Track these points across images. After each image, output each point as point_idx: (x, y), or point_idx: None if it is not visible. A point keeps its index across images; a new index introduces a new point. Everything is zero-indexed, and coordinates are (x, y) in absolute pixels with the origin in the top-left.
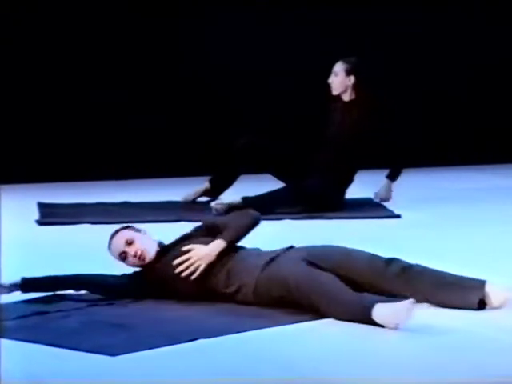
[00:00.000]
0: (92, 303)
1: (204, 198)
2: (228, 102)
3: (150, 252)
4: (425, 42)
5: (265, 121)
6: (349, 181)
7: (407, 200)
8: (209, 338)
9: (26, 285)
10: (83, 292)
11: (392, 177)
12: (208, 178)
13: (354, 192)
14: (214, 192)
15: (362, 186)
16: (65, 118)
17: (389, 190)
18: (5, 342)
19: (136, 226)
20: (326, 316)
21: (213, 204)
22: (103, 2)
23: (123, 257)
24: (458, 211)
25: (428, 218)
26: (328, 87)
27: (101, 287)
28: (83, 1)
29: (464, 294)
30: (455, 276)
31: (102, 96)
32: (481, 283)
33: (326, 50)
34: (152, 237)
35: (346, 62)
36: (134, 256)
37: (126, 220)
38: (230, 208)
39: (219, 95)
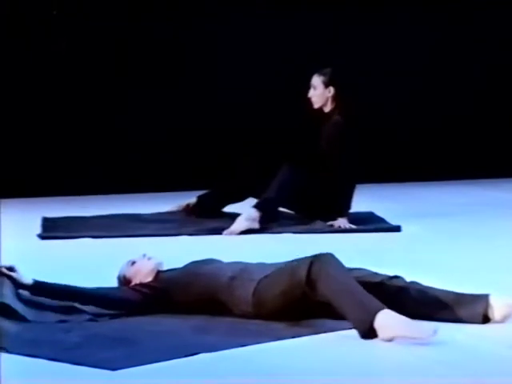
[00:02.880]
0: (93, 317)
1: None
2: (233, 112)
3: (147, 279)
4: (424, 50)
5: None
6: (344, 187)
7: (407, 214)
8: (209, 352)
9: (36, 288)
10: None
11: None
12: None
13: (354, 206)
14: (200, 211)
15: (363, 200)
16: (66, 132)
17: None
18: (4, 356)
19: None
20: (337, 313)
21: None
22: (103, 8)
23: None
24: (458, 225)
25: (428, 231)
26: (309, 102)
27: (112, 304)
28: (81, 4)
29: (468, 307)
30: (457, 292)
31: (102, 110)
32: (484, 296)
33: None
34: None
35: (322, 74)
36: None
37: (127, 234)
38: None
39: (224, 106)
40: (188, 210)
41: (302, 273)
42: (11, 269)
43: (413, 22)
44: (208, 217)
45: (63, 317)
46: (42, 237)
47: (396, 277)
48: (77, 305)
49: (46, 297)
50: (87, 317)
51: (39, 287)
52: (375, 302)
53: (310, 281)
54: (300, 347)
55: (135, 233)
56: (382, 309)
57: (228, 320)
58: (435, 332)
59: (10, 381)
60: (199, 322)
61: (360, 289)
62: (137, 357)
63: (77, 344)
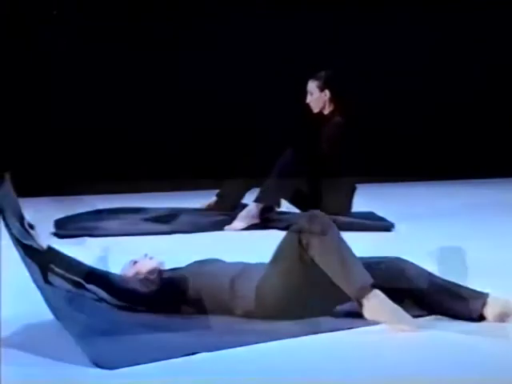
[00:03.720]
0: (96, 298)
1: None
2: (233, 112)
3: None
4: (422, 53)
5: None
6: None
7: (407, 213)
8: (209, 351)
9: (48, 254)
10: None
11: None
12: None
13: (354, 206)
14: (222, 206)
15: (363, 200)
16: (66, 132)
17: None
18: (4, 356)
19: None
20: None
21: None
22: (103, 8)
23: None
24: (457, 224)
25: (427, 231)
26: (308, 107)
27: (114, 289)
28: (81, 4)
29: (466, 302)
30: (457, 284)
31: (103, 110)
32: (483, 294)
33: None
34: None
35: (316, 78)
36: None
37: (126, 233)
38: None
39: (224, 106)
40: (211, 209)
41: (294, 238)
42: (31, 226)
43: (413, 22)
44: (232, 209)
45: (69, 287)
46: (60, 235)
47: (396, 258)
48: (82, 281)
49: (54, 265)
50: (91, 294)
51: (51, 253)
52: (365, 274)
53: (300, 240)
54: (299, 347)
55: (136, 231)
56: (372, 284)
57: (228, 320)
58: (421, 327)
59: (10, 381)
60: (199, 321)
61: (350, 253)
62: (135, 356)
63: (77, 325)
